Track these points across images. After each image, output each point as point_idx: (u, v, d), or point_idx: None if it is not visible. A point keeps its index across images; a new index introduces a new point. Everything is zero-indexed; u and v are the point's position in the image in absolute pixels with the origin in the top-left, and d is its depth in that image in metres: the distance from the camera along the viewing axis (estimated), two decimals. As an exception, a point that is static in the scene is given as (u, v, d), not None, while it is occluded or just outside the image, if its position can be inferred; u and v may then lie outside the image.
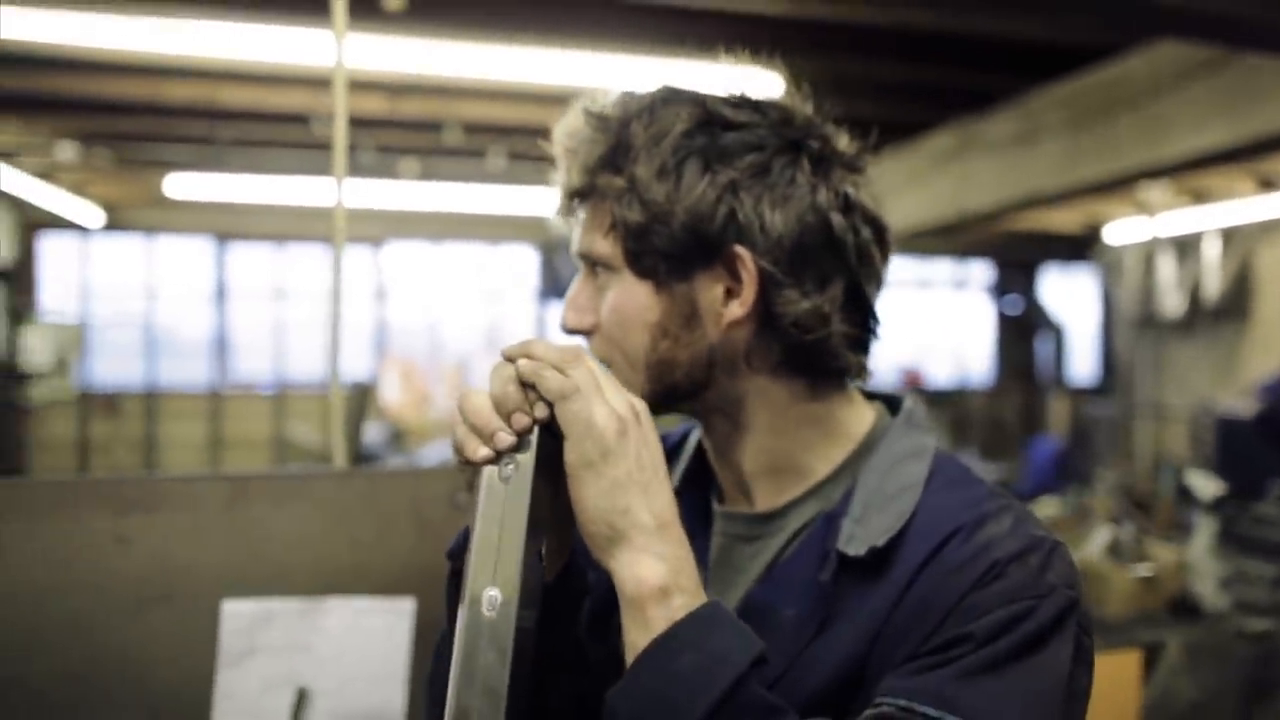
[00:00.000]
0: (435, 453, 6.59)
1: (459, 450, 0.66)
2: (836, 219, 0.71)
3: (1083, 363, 9.94)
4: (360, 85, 4.38)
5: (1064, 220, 7.82)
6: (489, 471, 0.65)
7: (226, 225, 8.79)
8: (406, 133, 5.55)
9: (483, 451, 0.65)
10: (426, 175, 6.62)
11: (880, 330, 0.76)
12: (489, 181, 6.76)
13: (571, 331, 0.75)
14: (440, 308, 9.44)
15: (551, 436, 0.65)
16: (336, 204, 1.36)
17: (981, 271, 9.95)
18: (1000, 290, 9.91)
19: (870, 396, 0.79)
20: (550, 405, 0.65)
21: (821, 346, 0.72)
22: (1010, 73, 4.62)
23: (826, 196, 0.71)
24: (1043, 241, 8.82)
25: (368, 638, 1.24)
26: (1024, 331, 9.75)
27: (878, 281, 0.75)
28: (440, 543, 1.23)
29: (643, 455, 0.65)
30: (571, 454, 0.64)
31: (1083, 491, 5.65)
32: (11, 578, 1.14)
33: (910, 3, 3.58)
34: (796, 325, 0.70)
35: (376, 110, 4.77)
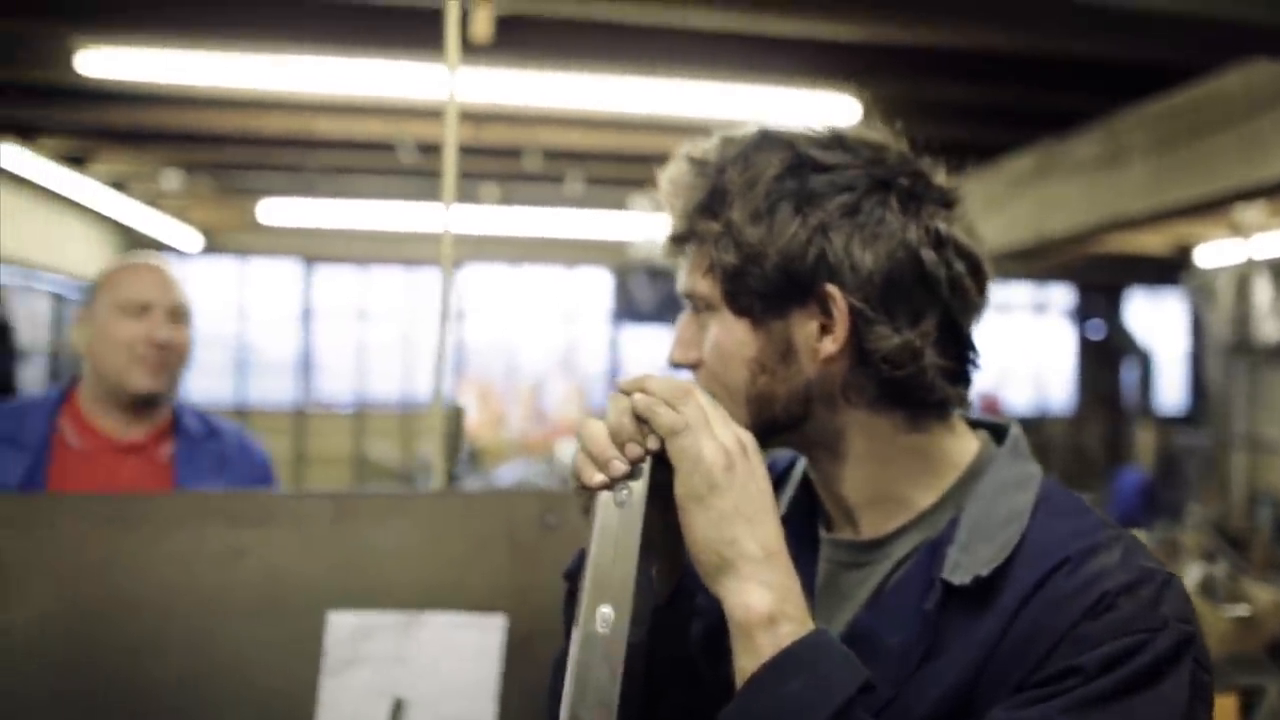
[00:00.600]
0: (511, 473, 6.70)
1: (576, 476, 0.70)
2: (928, 255, 0.73)
3: (1171, 390, 9.58)
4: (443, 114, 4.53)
5: (1151, 243, 7.58)
6: (604, 496, 0.69)
7: (313, 248, 9.12)
8: (487, 159, 5.71)
9: (598, 478, 0.69)
10: (506, 200, 6.78)
11: (979, 361, 0.77)
12: (566, 206, 6.89)
13: (677, 365, 0.79)
14: (517, 330, 9.61)
15: (664, 464, 0.69)
16: (444, 230, 1.43)
17: (1062, 295, 9.70)
18: (1082, 314, 9.63)
19: (975, 424, 0.80)
20: (662, 438, 0.68)
21: (916, 381, 0.73)
22: (1091, 93, 4.54)
23: (917, 233, 0.73)
24: (1128, 264, 8.56)
25: (461, 652, 1.29)
26: (1108, 357, 9.45)
27: (975, 313, 0.76)
28: (531, 563, 1.28)
29: (749, 488, 0.67)
30: (681, 487, 0.67)
31: (1171, 526, 5.44)
32: (137, 586, 1.23)
33: (988, 25, 3.56)
34: (888, 360, 0.72)
35: (461, 137, 4.92)
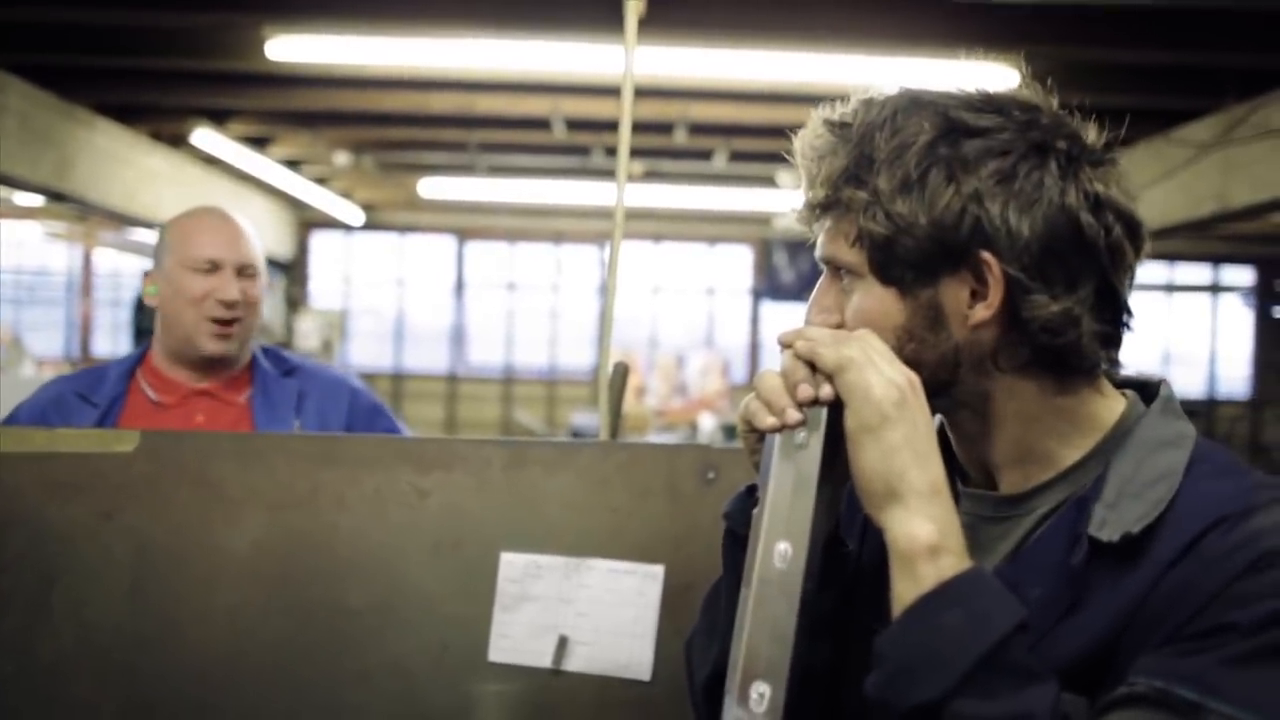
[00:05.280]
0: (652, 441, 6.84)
1: (750, 420, 0.74)
2: (1086, 219, 0.71)
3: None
4: (597, 91, 4.64)
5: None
6: (780, 439, 0.72)
7: (466, 224, 9.51)
8: (635, 135, 5.79)
9: (770, 420, 0.72)
10: (651, 175, 6.86)
11: (1132, 324, 0.76)
12: (710, 182, 6.90)
13: None
14: (658, 303, 9.73)
15: (834, 411, 0.71)
16: (617, 204, 1.50)
17: (1238, 275, 9.02)
18: (1261, 294, 8.93)
19: (1123, 383, 0.79)
20: (831, 380, 0.71)
21: (1071, 347, 0.73)
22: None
23: (1075, 197, 0.71)
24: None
25: (622, 596, 1.36)
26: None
27: (1130, 277, 0.75)
28: (690, 515, 1.34)
29: (918, 424, 0.69)
30: (852, 420, 0.69)
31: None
32: (337, 518, 1.37)
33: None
34: (1046, 329, 0.72)
35: (611, 114, 5.03)
